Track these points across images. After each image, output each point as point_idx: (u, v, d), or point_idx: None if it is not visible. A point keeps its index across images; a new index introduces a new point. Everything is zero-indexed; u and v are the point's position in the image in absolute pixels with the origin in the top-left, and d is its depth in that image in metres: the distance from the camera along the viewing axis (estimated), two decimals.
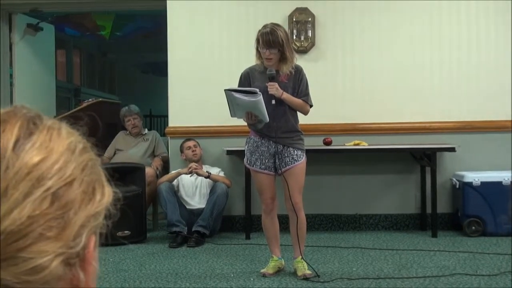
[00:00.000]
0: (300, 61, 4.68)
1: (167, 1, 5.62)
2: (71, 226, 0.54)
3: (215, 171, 5.29)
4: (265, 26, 3.72)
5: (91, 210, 0.57)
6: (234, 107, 3.71)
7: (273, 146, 3.76)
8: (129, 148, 5.84)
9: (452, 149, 5.12)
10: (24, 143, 0.54)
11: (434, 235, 5.03)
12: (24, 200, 0.52)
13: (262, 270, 3.86)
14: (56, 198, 0.54)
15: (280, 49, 3.66)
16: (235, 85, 3.86)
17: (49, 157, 0.55)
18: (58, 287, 0.54)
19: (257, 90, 3.60)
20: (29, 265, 0.51)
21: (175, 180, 5.24)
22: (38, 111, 0.59)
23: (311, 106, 3.85)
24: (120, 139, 5.97)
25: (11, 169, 0.53)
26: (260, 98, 3.58)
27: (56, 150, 0.56)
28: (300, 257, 3.80)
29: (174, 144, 5.57)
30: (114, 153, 5.88)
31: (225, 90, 3.69)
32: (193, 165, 5.18)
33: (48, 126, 0.57)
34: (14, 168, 0.53)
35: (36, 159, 0.54)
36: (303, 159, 3.79)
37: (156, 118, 12.91)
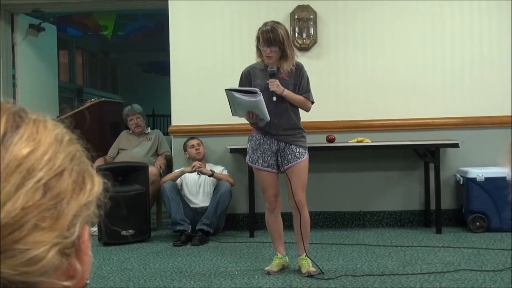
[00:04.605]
0: (302, 58, 4.69)
1: (169, 1, 5.62)
2: (65, 216, 0.55)
3: (218, 169, 5.30)
4: (265, 24, 3.72)
5: (82, 200, 0.57)
6: (235, 107, 3.72)
7: (275, 144, 3.76)
8: (132, 148, 5.85)
9: (455, 145, 5.11)
10: (12, 136, 0.55)
11: (439, 231, 5.03)
12: (17, 192, 0.52)
13: (267, 268, 3.87)
14: (48, 189, 0.54)
15: (281, 47, 3.66)
16: (237, 83, 3.87)
17: (38, 148, 0.55)
18: (55, 278, 0.54)
19: (258, 90, 3.61)
20: (26, 256, 0.52)
21: (179, 179, 5.25)
22: (21, 106, 0.60)
23: (312, 102, 3.85)
24: (123, 139, 5.98)
25: (1, 162, 0.53)
26: (260, 98, 3.58)
27: (44, 142, 0.56)
28: (305, 254, 3.80)
29: (177, 143, 5.58)
30: (118, 153, 5.89)
31: (225, 90, 3.70)
32: (197, 163, 5.19)
33: (33, 119, 0.58)
34: (4, 161, 0.53)
35: (25, 151, 0.54)
36: (305, 157, 3.78)
37: (159, 117, 12.90)
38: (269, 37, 3.64)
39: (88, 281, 0.59)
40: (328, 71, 5.49)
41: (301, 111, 3.87)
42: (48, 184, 0.54)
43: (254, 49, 3.80)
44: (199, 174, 5.21)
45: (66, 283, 0.55)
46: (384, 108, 5.45)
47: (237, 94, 3.63)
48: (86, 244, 0.58)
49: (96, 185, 0.60)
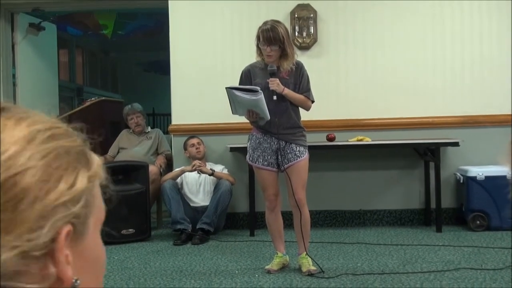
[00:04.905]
0: (303, 57, 4.70)
1: (169, 0, 5.62)
2: (24, 218, 0.52)
3: (218, 168, 5.30)
4: (265, 23, 3.72)
5: (52, 200, 0.54)
6: (236, 105, 3.72)
7: (275, 143, 3.76)
8: (132, 147, 5.85)
9: (455, 144, 5.11)
10: None
11: (439, 230, 5.03)
12: None
13: (267, 267, 3.87)
14: (4, 190, 0.52)
15: (281, 46, 3.66)
16: (237, 82, 3.87)
17: None
18: (19, 281, 0.52)
19: (258, 88, 3.61)
20: None
21: (179, 178, 5.25)
22: (6, 103, 0.58)
23: (312, 101, 3.85)
24: (123, 138, 5.98)
25: None
26: (261, 96, 3.58)
27: (8, 141, 0.54)
28: (305, 253, 3.81)
29: (177, 141, 5.58)
30: (118, 152, 5.89)
31: (226, 88, 3.70)
32: (197, 162, 5.19)
33: (5, 117, 0.56)
34: None
35: None
36: (305, 155, 3.79)
37: (159, 116, 12.90)
38: (269, 36, 3.64)
39: (78, 282, 0.56)
40: (328, 70, 5.49)
41: (301, 110, 3.87)
42: (5, 185, 0.52)
43: (254, 48, 3.80)
44: (199, 173, 5.21)
45: (34, 286, 0.53)
46: (384, 107, 5.45)
47: (237, 93, 3.63)
48: (62, 246, 0.55)
49: (78, 183, 0.57)
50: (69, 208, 0.55)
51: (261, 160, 3.80)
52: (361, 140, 5.19)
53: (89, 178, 0.59)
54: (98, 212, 0.62)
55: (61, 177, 0.56)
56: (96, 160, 0.62)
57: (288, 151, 3.76)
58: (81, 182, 0.57)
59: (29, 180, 0.53)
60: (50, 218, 0.54)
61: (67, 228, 0.55)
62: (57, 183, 0.55)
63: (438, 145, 5.12)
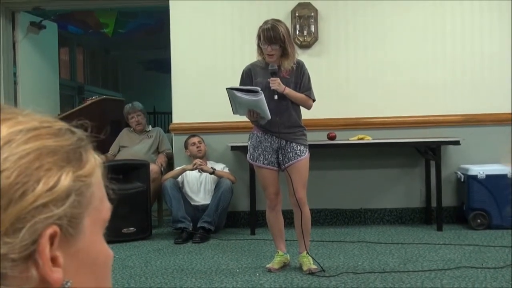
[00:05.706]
0: (303, 56, 4.70)
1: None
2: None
3: (219, 167, 5.30)
4: (266, 22, 3.71)
5: (30, 202, 0.52)
6: (236, 105, 3.72)
7: (276, 142, 3.76)
8: (133, 145, 5.85)
9: (456, 143, 5.11)
10: None
11: (439, 228, 5.03)
12: None
13: (268, 265, 3.87)
14: None
15: (282, 45, 3.66)
16: (238, 81, 3.86)
17: None
18: (4, 283, 0.51)
19: (259, 89, 3.60)
20: None
21: (180, 177, 5.25)
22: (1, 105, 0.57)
23: (313, 100, 3.85)
24: (124, 136, 5.98)
25: None
26: (262, 97, 3.58)
27: None
28: (306, 252, 3.81)
29: (178, 140, 5.58)
30: (119, 150, 5.89)
31: (226, 88, 3.70)
32: (198, 161, 5.19)
33: None
34: None
35: None
36: (306, 154, 3.79)
37: (159, 115, 12.90)
38: (270, 35, 3.63)
39: (69, 283, 0.55)
40: (329, 69, 5.49)
41: (302, 109, 3.87)
42: None
43: (255, 47, 3.80)
44: (200, 172, 5.22)
45: None
46: (384, 106, 5.45)
47: (238, 93, 3.63)
48: (44, 248, 0.53)
49: (61, 183, 0.54)
50: (52, 210, 0.54)
51: (262, 159, 3.80)
52: (362, 138, 5.19)
53: (77, 177, 0.57)
54: (96, 212, 0.60)
55: (40, 178, 0.54)
56: (93, 159, 0.60)
57: (289, 150, 3.76)
58: (65, 182, 0.55)
59: (2, 182, 0.52)
60: (29, 221, 0.52)
61: (51, 230, 0.54)
62: (36, 184, 0.53)
63: (439, 144, 5.12)
